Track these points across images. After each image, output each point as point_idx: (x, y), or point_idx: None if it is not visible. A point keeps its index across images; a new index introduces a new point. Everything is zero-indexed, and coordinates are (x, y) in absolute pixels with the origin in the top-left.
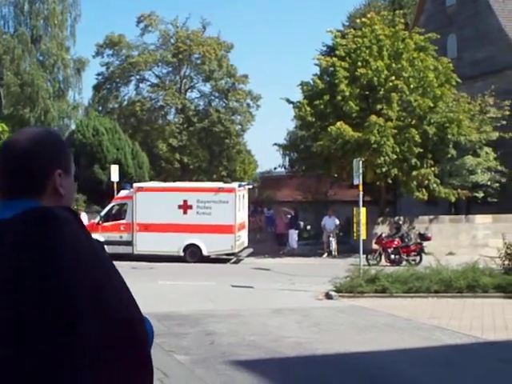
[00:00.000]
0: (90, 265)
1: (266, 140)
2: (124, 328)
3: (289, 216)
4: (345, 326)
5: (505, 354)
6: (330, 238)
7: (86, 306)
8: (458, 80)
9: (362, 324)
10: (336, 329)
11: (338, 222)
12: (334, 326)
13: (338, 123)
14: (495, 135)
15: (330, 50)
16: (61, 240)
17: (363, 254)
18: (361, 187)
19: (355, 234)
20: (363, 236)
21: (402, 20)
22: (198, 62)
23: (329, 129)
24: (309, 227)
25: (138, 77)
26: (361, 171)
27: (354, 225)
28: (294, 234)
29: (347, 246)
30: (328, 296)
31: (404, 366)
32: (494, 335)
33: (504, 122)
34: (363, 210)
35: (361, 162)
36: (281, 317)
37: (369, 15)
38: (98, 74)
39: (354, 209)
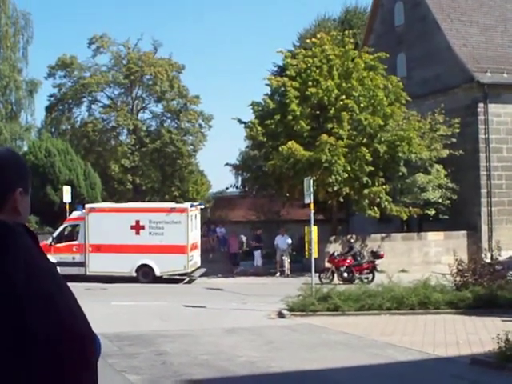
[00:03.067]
0: (43, 279)
1: (218, 160)
2: (74, 343)
3: (257, 233)
4: (297, 345)
5: (457, 370)
6: (283, 257)
7: (38, 319)
8: (408, 98)
9: (315, 342)
10: (288, 347)
11: (290, 241)
12: (286, 345)
13: (290, 143)
14: (445, 153)
15: (281, 70)
16: (16, 253)
17: (316, 272)
18: (312, 206)
19: (307, 253)
20: (315, 254)
21: (352, 40)
22: (150, 82)
23: (280, 148)
24: None
25: (90, 98)
26: (312, 190)
27: (306, 244)
28: (258, 252)
29: (300, 265)
30: (280, 315)
31: (356, 383)
32: (446, 351)
33: (454, 140)
34: (315, 229)
35: (312, 181)
36: (233, 336)
37: (319, 35)
38: (51, 96)
39: (306, 228)
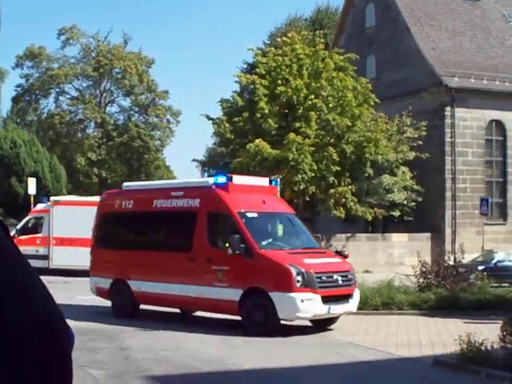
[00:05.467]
0: (16, 269)
1: (184, 156)
2: (49, 334)
3: None
4: (260, 342)
5: (419, 370)
6: None
7: (12, 309)
8: (376, 100)
9: (278, 340)
10: (252, 345)
11: None
12: (249, 342)
13: (257, 140)
14: (412, 155)
15: (251, 68)
16: None
17: None
18: None
19: None
20: None
21: (323, 40)
22: (119, 76)
23: (247, 146)
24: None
25: (57, 89)
26: (278, 188)
27: None
28: None
29: None
30: None
31: (318, 382)
32: (409, 352)
33: (420, 142)
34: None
35: (279, 180)
36: (196, 332)
37: (290, 34)
38: (18, 86)
39: None
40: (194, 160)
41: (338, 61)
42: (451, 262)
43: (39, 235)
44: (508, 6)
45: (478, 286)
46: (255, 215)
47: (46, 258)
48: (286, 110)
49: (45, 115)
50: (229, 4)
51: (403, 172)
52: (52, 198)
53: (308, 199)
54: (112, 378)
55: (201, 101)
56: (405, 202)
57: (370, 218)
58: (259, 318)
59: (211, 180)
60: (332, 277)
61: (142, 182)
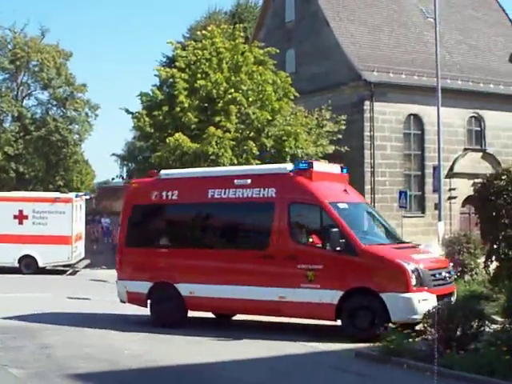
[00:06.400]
0: None
1: (103, 150)
2: None
3: None
4: (183, 337)
5: (341, 363)
6: None
7: None
8: (296, 94)
9: (199, 333)
10: (177, 340)
11: None
12: (175, 337)
13: (177, 134)
14: (331, 149)
15: (170, 62)
16: None
17: None
18: None
19: None
20: None
21: (242, 34)
22: (36, 69)
23: (167, 140)
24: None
25: None
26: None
27: None
28: None
29: None
30: None
31: (241, 375)
32: (331, 344)
33: (340, 136)
34: None
35: None
36: (120, 328)
37: (209, 28)
38: None
39: None
40: (113, 154)
41: (258, 55)
42: None
43: None
44: (426, 2)
45: None
46: (346, 206)
47: None
48: (206, 104)
49: None
50: None
51: None
52: None
53: None
54: (34, 377)
55: (120, 94)
56: None
57: None
58: (365, 321)
59: (289, 166)
60: (441, 274)
61: (186, 169)
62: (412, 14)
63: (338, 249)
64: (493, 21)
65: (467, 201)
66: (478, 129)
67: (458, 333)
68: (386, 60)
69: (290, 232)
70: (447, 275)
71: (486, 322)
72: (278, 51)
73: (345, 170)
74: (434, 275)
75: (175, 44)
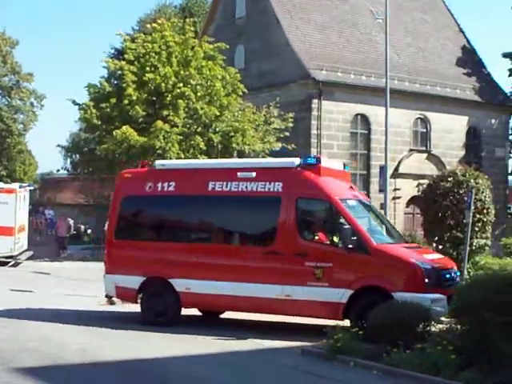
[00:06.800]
0: None
1: (47, 141)
2: None
3: None
4: (129, 332)
5: (288, 360)
6: None
7: None
8: (245, 90)
9: (147, 329)
10: (121, 335)
11: None
12: (118, 332)
13: (124, 127)
14: (278, 146)
15: (119, 54)
16: None
17: None
18: None
19: None
20: None
21: (192, 28)
22: None
23: (114, 132)
24: (89, 231)
25: None
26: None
27: None
28: None
29: None
30: (111, 302)
31: (190, 371)
32: (277, 342)
33: (287, 134)
34: None
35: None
36: (63, 322)
37: (159, 21)
38: None
39: None
40: (58, 145)
41: (208, 50)
42: None
43: None
44: (376, 3)
45: None
46: (355, 203)
47: None
48: (154, 98)
49: None
50: None
51: None
52: None
53: None
54: None
55: (66, 85)
56: None
57: None
58: None
59: (296, 160)
60: (451, 274)
61: (184, 160)
62: (362, 14)
63: (350, 247)
64: (441, 25)
65: (411, 201)
66: (424, 130)
67: (405, 333)
68: (335, 59)
69: (298, 228)
70: (455, 275)
71: (432, 323)
72: (227, 47)
73: (347, 168)
74: (444, 275)
75: (124, 36)
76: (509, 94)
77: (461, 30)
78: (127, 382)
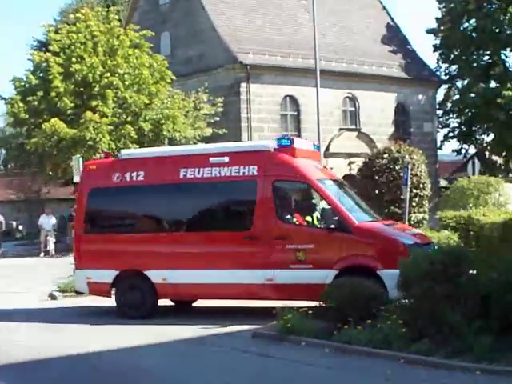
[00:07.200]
0: None
1: None
2: None
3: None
4: (77, 326)
5: (240, 344)
6: (48, 237)
7: None
8: (173, 77)
9: (94, 323)
10: (67, 329)
11: (55, 220)
12: (65, 327)
13: (53, 120)
14: (209, 131)
15: (42, 45)
16: None
17: None
18: None
19: None
20: None
21: (117, 17)
22: None
23: (43, 126)
24: (21, 227)
25: None
26: (82, 168)
27: None
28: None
29: (64, 245)
30: (52, 297)
31: (138, 361)
32: (228, 326)
33: (217, 119)
34: None
35: (81, 160)
36: (7, 320)
37: (83, 11)
38: None
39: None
40: None
41: (134, 38)
42: None
43: None
44: None
45: None
46: (332, 183)
47: None
48: (82, 89)
49: None
50: None
51: None
52: None
53: None
54: None
55: None
56: None
57: None
58: None
59: (270, 143)
60: (430, 248)
61: (152, 148)
62: None
63: (332, 227)
64: (365, 4)
65: (344, 180)
66: (353, 109)
67: (355, 309)
68: (261, 42)
69: (276, 211)
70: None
71: (382, 298)
72: (153, 34)
73: (317, 147)
74: (426, 250)
75: (48, 27)
76: (434, 70)
77: (384, 8)
78: (77, 375)
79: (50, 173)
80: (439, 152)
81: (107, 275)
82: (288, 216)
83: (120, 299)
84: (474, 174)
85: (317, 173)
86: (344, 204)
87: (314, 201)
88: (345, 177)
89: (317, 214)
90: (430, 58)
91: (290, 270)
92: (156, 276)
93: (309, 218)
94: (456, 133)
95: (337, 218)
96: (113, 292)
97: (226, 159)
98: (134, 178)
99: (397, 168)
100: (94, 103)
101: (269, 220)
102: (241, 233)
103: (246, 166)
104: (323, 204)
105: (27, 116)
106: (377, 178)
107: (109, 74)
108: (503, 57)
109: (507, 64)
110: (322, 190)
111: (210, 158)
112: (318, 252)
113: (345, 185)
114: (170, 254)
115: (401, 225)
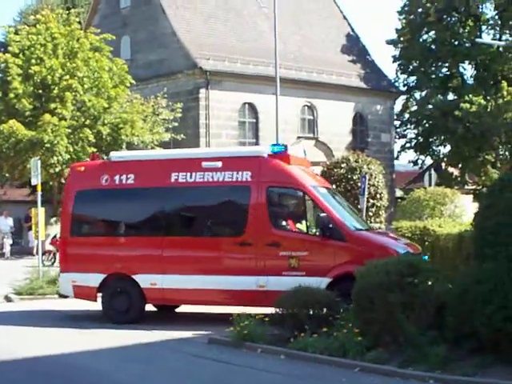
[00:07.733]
0: None
1: None
2: None
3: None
4: (33, 329)
5: (196, 350)
6: (5, 240)
7: None
8: (132, 81)
9: (50, 326)
10: (25, 332)
11: (12, 222)
12: (21, 330)
13: (11, 121)
14: (167, 136)
15: (2, 46)
16: None
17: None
18: (39, 187)
19: (35, 235)
20: (42, 237)
21: (77, 19)
22: None
23: (1, 127)
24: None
25: None
26: (39, 171)
27: (34, 226)
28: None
29: (19, 247)
30: (8, 299)
31: (96, 364)
32: (183, 332)
33: (176, 124)
34: (42, 211)
35: (39, 162)
36: None
37: (43, 12)
38: None
39: (33, 209)
40: None
41: (94, 41)
42: None
43: None
44: None
45: None
46: (325, 191)
47: None
48: (41, 91)
49: None
50: None
51: None
52: None
53: (64, 181)
54: None
55: None
56: None
57: None
58: None
59: (265, 149)
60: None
61: (143, 151)
62: (247, 2)
63: (327, 234)
64: (326, 14)
65: None
66: (311, 117)
67: (310, 317)
68: (221, 48)
69: (269, 217)
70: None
71: (338, 306)
72: (113, 38)
73: (305, 154)
74: None
75: (8, 28)
76: (393, 80)
77: (345, 18)
78: (36, 378)
79: (7, 174)
80: (395, 162)
81: (94, 279)
82: (281, 222)
83: (106, 303)
84: (430, 185)
85: (311, 180)
86: (338, 212)
87: (309, 208)
88: None
89: (310, 221)
90: (390, 69)
91: (282, 277)
92: (145, 281)
93: (302, 225)
94: (413, 144)
95: (331, 225)
96: (99, 296)
97: (219, 164)
98: (124, 181)
99: (354, 178)
100: (52, 106)
101: (262, 226)
102: (233, 238)
103: (239, 171)
104: (317, 211)
105: None
106: (334, 187)
107: (68, 77)
108: (461, 69)
109: (465, 76)
110: (316, 197)
111: (203, 163)
112: (311, 259)
113: (336, 193)
114: (161, 258)
115: (393, 234)
